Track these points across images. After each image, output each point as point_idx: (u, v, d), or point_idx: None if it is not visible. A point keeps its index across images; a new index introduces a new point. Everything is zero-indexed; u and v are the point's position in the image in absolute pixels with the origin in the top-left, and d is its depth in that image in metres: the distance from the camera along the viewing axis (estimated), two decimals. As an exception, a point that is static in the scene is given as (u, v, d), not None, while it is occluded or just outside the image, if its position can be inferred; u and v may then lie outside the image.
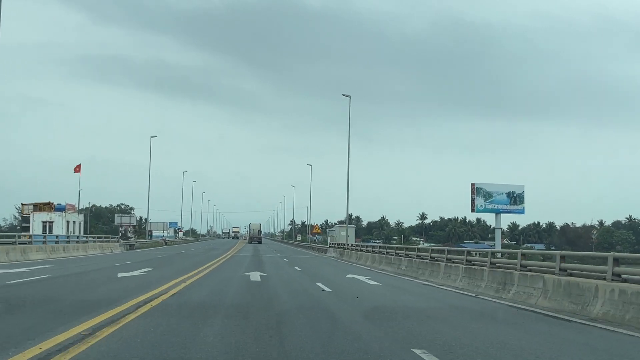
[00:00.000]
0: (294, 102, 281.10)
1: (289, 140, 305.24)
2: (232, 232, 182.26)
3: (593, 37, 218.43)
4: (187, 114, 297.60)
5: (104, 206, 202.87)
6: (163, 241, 74.36)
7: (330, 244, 55.06)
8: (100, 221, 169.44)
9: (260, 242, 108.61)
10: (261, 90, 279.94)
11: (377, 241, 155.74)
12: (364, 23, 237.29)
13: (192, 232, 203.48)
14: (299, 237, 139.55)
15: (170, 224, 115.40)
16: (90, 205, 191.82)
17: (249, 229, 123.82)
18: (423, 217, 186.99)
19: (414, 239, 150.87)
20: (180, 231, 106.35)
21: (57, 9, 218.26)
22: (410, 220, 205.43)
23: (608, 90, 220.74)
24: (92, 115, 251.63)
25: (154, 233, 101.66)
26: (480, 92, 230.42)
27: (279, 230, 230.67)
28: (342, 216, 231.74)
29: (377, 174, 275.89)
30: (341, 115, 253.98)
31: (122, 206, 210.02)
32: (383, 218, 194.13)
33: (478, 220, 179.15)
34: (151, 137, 69.64)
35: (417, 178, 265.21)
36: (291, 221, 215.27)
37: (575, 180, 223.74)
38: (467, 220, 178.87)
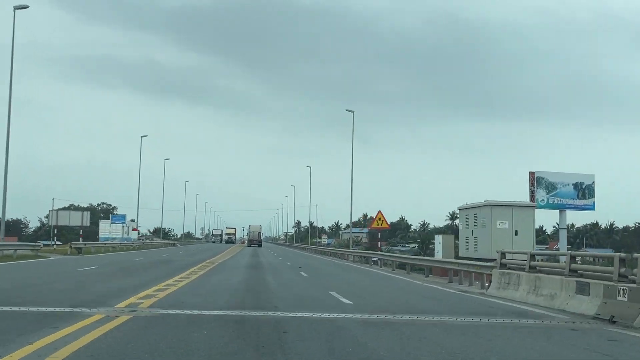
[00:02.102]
0: (290, 102, 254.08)
1: (287, 141, 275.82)
2: (226, 234, 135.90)
3: (593, 34, 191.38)
4: (182, 115, 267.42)
5: (83, 206, 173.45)
6: (73, 249, 37.92)
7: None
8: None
9: (260, 245, 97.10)
10: (257, 91, 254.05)
11: (407, 246, 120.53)
12: (358, 21, 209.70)
13: (188, 235, 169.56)
14: (326, 240, 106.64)
15: (114, 217, 78.25)
16: (69, 205, 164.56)
17: (249, 232, 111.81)
18: (453, 217, 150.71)
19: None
20: (135, 230, 69.00)
21: (40, 8, 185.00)
22: (434, 220, 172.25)
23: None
24: (84, 117, 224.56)
25: (102, 234, 65.30)
26: (479, 92, 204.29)
27: (281, 232, 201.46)
28: (354, 217, 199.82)
29: (377, 175, 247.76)
30: (339, 116, 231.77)
31: (105, 205, 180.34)
32: (402, 219, 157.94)
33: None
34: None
35: (419, 179, 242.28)
36: (296, 222, 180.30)
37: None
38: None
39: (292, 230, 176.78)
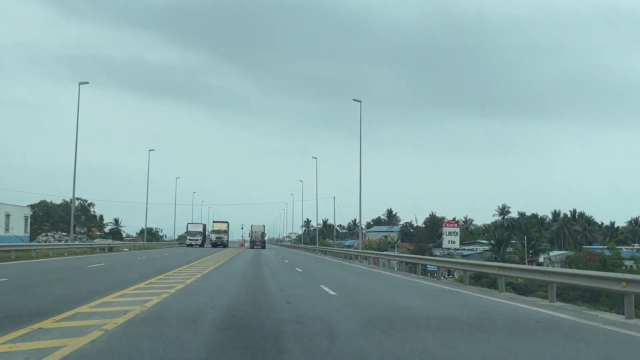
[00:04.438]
0: (286, 102, 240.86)
1: (283, 141, 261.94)
2: (212, 231, 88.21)
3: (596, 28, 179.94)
4: (176, 115, 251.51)
5: (57, 203, 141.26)
6: None
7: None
8: (50, 221, 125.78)
9: (263, 247, 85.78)
10: (251, 91, 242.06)
11: (470, 248, 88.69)
12: (351, 17, 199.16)
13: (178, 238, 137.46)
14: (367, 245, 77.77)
15: None
16: (39, 202, 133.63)
17: (250, 232, 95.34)
18: (504, 211, 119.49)
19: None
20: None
21: (22, 5, 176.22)
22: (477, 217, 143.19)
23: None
24: (74, 118, 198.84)
25: None
26: (476, 88, 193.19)
27: (286, 233, 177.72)
28: (373, 215, 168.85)
29: (377, 175, 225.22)
30: (336, 115, 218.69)
31: (80, 201, 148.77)
32: (433, 215, 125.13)
33: (580, 215, 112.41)
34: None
35: (419, 178, 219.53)
36: (305, 221, 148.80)
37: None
38: (577, 215, 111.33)
39: (299, 230, 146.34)
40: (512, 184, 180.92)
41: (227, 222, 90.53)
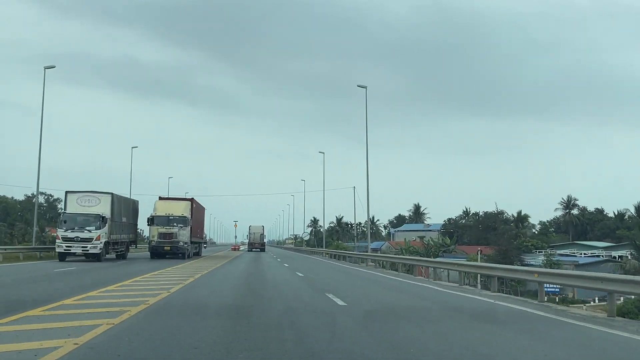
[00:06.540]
0: (279, 101, 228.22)
1: (280, 142, 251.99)
2: (152, 223, 37.32)
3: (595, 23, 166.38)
4: (167, 116, 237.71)
5: (18, 199, 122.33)
6: None
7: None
8: (8, 219, 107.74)
9: (263, 250, 78.45)
10: (243, 90, 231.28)
11: (572, 252, 62.95)
12: (346, 13, 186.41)
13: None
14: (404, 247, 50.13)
15: None
16: None
17: (248, 233, 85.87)
18: (569, 204, 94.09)
19: None
20: None
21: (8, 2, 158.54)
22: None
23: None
24: (66, 119, 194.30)
25: None
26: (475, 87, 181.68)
27: (289, 235, 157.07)
28: (391, 214, 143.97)
29: (377, 174, 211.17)
30: (333, 114, 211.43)
31: (45, 196, 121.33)
32: (467, 211, 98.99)
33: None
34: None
35: (418, 177, 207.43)
36: (312, 220, 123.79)
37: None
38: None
39: (301, 232, 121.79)
40: (518, 182, 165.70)
41: (189, 199, 42.17)
